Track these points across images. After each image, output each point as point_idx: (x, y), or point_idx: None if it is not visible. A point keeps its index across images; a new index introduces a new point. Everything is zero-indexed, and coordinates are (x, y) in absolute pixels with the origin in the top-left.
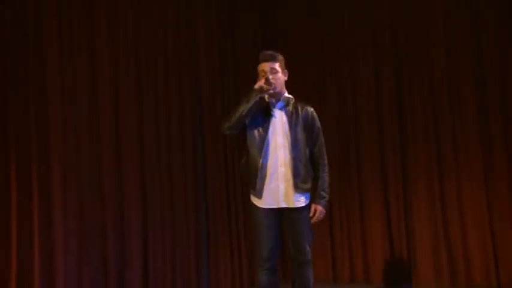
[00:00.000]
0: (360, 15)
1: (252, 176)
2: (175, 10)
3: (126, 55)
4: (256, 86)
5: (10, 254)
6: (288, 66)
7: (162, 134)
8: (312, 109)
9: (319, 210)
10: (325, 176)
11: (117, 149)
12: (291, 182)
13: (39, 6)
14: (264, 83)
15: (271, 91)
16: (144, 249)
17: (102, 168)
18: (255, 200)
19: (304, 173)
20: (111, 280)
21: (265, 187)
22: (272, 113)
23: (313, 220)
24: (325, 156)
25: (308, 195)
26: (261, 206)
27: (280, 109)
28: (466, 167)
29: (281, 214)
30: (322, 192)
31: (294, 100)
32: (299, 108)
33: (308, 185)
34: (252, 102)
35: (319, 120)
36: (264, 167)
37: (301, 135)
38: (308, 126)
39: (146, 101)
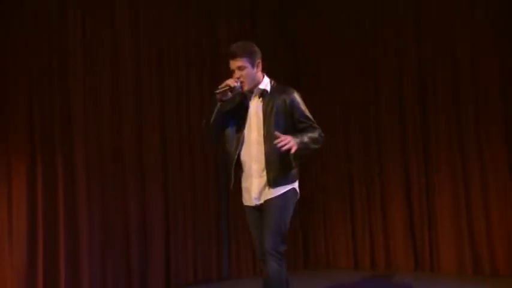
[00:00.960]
0: (383, 11)
1: (229, 175)
2: (197, 8)
3: (148, 54)
4: (217, 97)
5: (37, 254)
6: (308, 64)
7: (183, 132)
8: (289, 94)
9: (289, 138)
10: (314, 133)
11: (139, 149)
12: (264, 178)
13: (63, 4)
14: (220, 91)
15: (234, 93)
16: (166, 247)
17: (125, 168)
18: (243, 198)
19: (279, 168)
20: (134, 276)
21: (242, 185)
22: (248, 107)
23: (276, 141)
24: (316, 125)
25: (285, 186)
26: (244, 204)
27: (256, 101)
28: (489, 155)
29: (259, 209)
30: (302, 134)
31: (270, 89)
32: (275, 97)
33: (285, 178)
34: (214, 111)
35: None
36: (239, 165)
37: (276, 127)
38: (287, 112)
39: (168, 100)
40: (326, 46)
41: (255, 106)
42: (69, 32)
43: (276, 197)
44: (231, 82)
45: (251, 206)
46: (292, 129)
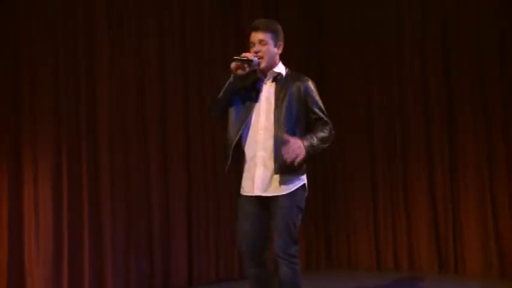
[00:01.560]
0: (408, 6)
1: (227, 157)
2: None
3: (173, 52)
4: (232, 66)
5: (62, 250)
6: (333, 56)
7: (206, 130)
8: (304, 81)
9: (298, 142)
10: (325, 131)
11: (163, 147)
12: (270, 167)
13: (90, 7)
14: (238, 61)
15: (250, 69)
16: (189, 245)
17: (149, 169)
18: (241, 186)
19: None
20: (157, 273)
21: (244, 173)
22: (260, 90)
23: (283, 150)
24: (327, 119)
25: (293, 182)
26: (243, 194)
27: (268, 86)
28: None
29: (263, 203)
30: (312, 136)
31: (285, 75)
32: (290, 83)
33: (293, 170)
34: (226, 84)
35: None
36: (240, 150)
37: (288, 114)
38: (301, 100)
39: (192, 99)
40: (352, 36)
41: (267, 90)
42: (96, 37)
43: (285, 196)
44: (249, 55)
45: (250, 197)
46: (305, 118)
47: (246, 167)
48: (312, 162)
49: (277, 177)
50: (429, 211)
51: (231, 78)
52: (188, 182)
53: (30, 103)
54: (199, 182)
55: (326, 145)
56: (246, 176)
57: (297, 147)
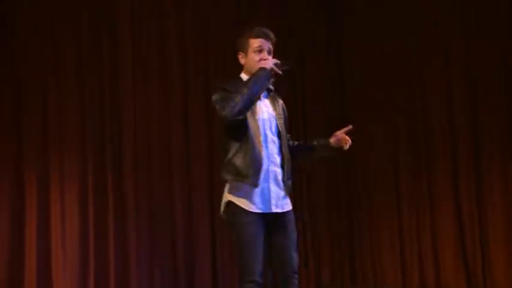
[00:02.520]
0: (427, 16)
1: (253, 172)
2: (238, 8)
3: (195, 54)
4: (269, 66)
5: (88, 263)
6: (356, 65)
7: None
8: (281, 99)
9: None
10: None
11: (186, 156)
12: (281, 183)
13: (114, 9)
14: (276, 65)
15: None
16: (213, 255)
17: (172, 174)
18: (240, 202)
19: (292, 173)
20: (181, 284)
21: (256, 188)
22: (259, 102)
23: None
24: None
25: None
26: (251, 211)
27: (264, 99)
28: None
29: (268, 220)
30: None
31: (273, 90)
32: (277, 99)
33: (291, 186)
34: (266, 84)
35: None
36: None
37: (285, 129)
38: (285, 118)
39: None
40: (374, 46)
41: (264, 103)
42: (119, 39)
43: (291, 211)
44: (276, 60)
45: (259, 214)
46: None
47: (259, 182)
48: (336, 180)
49: (286, 192)
50: (455, 227)
51: (270, 78)
52: (210, 192)
53: (57, 117)
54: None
55: None
56: (252, 191)
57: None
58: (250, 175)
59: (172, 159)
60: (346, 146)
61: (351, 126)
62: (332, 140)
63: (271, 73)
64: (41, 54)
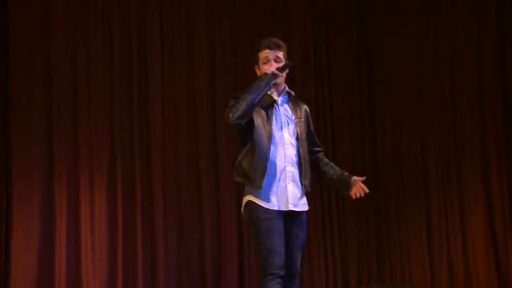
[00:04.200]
0: (462, 18)
1: (258, 174)
2: (270, 10)
3: (223, 58)
4: (269, 71)
5: (116, 262)
6: (384, 68)
7: None
8: (305, 105)
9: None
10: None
11: (214, 159)
12: (298, 183)
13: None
14: (277, 69)
15: (279, 80)
16: (240, 256)
17: (200, 175)
18: (259, 201)
19: (310, 174)
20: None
21: (273, 187)
22: (276, 106)
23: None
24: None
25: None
26: (269, 208)
27: (283, 103)
28: None
29: (285, 218)
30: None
31: (294, 95)
32: (299, 103)
33: (311, 187)
34: (266, 87)
35: None
36: (272, 165)
37: (305, 132)
38: (307, 122)
39: None
40: (405, 48)
41: (283, 107)
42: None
43: (306, 212)
44: (279, 64)
45: (277, 212)
46: (307, 140)
47: (268, 180)
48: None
49: (303, 192)
50: (485, 224)
51: (270, 83)
52: (237, 194)
53: (86, 117)
54: None
55: None
56: (269, 190)
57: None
58: (255, 178)
59: (200, 160)
60: (357, 195)
61: (364, 178)
62: (352, 182)
63: (272, 77)
64: (73, 58)
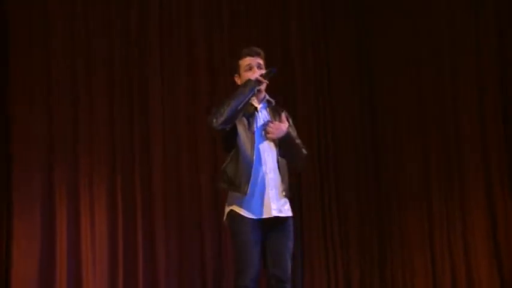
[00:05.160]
0: (461, 16)
1: (244, 181)
2: (268, 11)
3: (222, 61)
4: (253, 77)
5: (117, 271)
6: (383, 70)
7: None
8: (284, 112)
9: (284, 126)
10: (302, 145)
11: (214, 164)
12: (279, 189)
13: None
14: (261, 75)
15: (263, 87)
16: None
17: (200, 179)
18: (240, 210)
19: (288, 179)
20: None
21: (255, 195)
22: (256, 114)
23: (270, 126)
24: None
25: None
26: (249, 217)
27: (261, 110)
28: None
29: (267, 225)
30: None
31: (274, 103)
32: (278, 109)
33: (289, 192)
34: (250, 94)
35: None
36: (255, 172)
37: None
38: (289, 127)
39: None
40: (403, 49)
41: (263, 113)
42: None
43: (291, 217)
44: (262, 71)
45: (258, 220)
46: None
47: (251, 187)
48: (365, 183)
49: (284, 197)
50: (488, 231)
51: (254, 90)
52: None
53: (87, 131)
54: None
55: (298, 150)
56: (252, 197)
57: (282, 131)
58: (240, 184)
59: (200, 169)
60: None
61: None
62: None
63: (256, 83)
64: (73, 65)
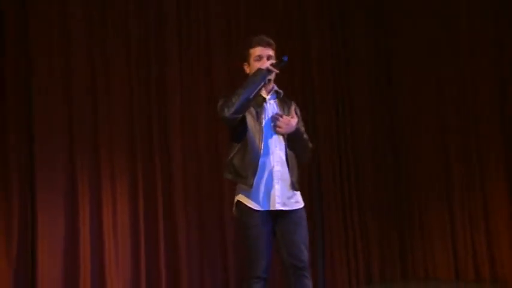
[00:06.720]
0: (478, 17)
1: (250, 173)
2: (288, 20)
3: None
4: (264, 67)
5: (140, 254)
6: (402, 73)
7: None
8: (293, 103)
9: (294, 122)
10: (307, 139)
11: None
12: (288, 181)
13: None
14: (272, 65)
15: (272, 77)
16: None
17: (219, 172)
18: (247, 202)
19: (298, 172)
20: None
21: (261, 187)
22: (265, 105)
23: (279, 121)
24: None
25: (300, 194)
26: (255, 208)
27: (271, 101)
28: None
29: (275, 217)
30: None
31: (282, 94)
32: (287, 102)
33: (299, 184)
34: (261, 83)
35: None
36: (262, 164)
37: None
38: (298, 120)
39: None
40: (423, 54)
41: (272, 105)
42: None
43: (302, 208)
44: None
45: (265, 213)
46: None
47: (257, 180)
48: (385, 175)
49: (293, 190)
50: (510, 217)
51: (265, 79)
52: None
53: (106, 115)
54: None
55: (305, 144)
56: (258, 189)
57: (292, 126)
58: (247, 176)
59: (219, 153)
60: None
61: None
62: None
63: (267, 72)
64: (91, 57)
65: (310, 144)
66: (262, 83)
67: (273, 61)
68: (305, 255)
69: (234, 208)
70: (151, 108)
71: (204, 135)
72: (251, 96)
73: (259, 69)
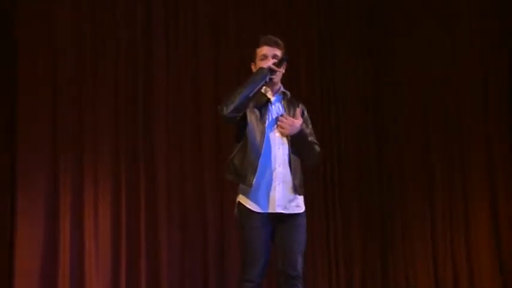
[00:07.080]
0: (470, 19)
1: (250, 172)
2: (276, 27)
3: (228, 71)
4: (265, 66)
5: (120, 258)
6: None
7: None
8: (302, 104)
9: (298, 123)
10: (315, 142)
11: (217, 156)
12: (289, 184)
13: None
14: (273, 64)
15: (276, 77)
16: None
17: (203, 174)
18: (247, 203)
19: (301, 174)
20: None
21: (261, 188)
22: (269, 105)
23: (283, 122)
24: (316, 141)
25: (302, 199)
26: (255, 210)
27: (276, 102)
28: None
29: (275, 220)
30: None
31: (289, 95)
32: (294, 103)
33: (303, 188)
34: (261, 82)
35: None
36: (262, 165)
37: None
38: (304, 121)
39: None
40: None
41: (276, 105)
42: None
43: (303, 214)
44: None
45: (265, 216)
46: None
47: (258, 181)
48: (368, 181)
49: (295, 193)
50: (490, 228)
51: (266, 78)
52: None
53: (91, 116)
54: None
55: (310, 147)
56: (258, 191)
57: (295, 127)
58: (246, 175)
59: (203, 159)
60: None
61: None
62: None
63: (268, 71)
64: (76, 59)
65: (317, 148)
66: (262, 82)
67: (275, 60)
68: (300, 264)
69: (235, 209)
70: (137, 111)
71: (190, 138)
72: (250, 95)
73: (260, 68)
